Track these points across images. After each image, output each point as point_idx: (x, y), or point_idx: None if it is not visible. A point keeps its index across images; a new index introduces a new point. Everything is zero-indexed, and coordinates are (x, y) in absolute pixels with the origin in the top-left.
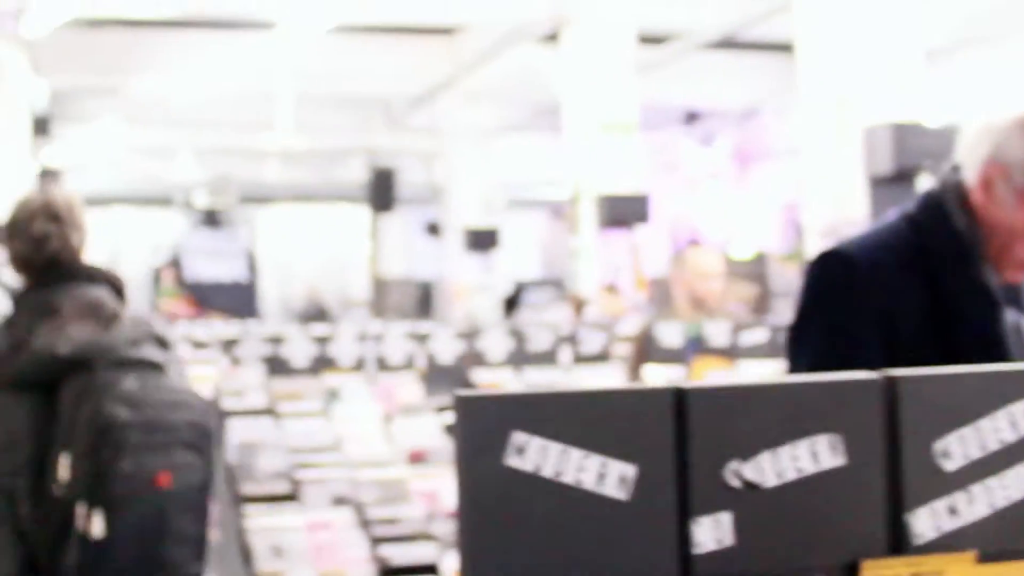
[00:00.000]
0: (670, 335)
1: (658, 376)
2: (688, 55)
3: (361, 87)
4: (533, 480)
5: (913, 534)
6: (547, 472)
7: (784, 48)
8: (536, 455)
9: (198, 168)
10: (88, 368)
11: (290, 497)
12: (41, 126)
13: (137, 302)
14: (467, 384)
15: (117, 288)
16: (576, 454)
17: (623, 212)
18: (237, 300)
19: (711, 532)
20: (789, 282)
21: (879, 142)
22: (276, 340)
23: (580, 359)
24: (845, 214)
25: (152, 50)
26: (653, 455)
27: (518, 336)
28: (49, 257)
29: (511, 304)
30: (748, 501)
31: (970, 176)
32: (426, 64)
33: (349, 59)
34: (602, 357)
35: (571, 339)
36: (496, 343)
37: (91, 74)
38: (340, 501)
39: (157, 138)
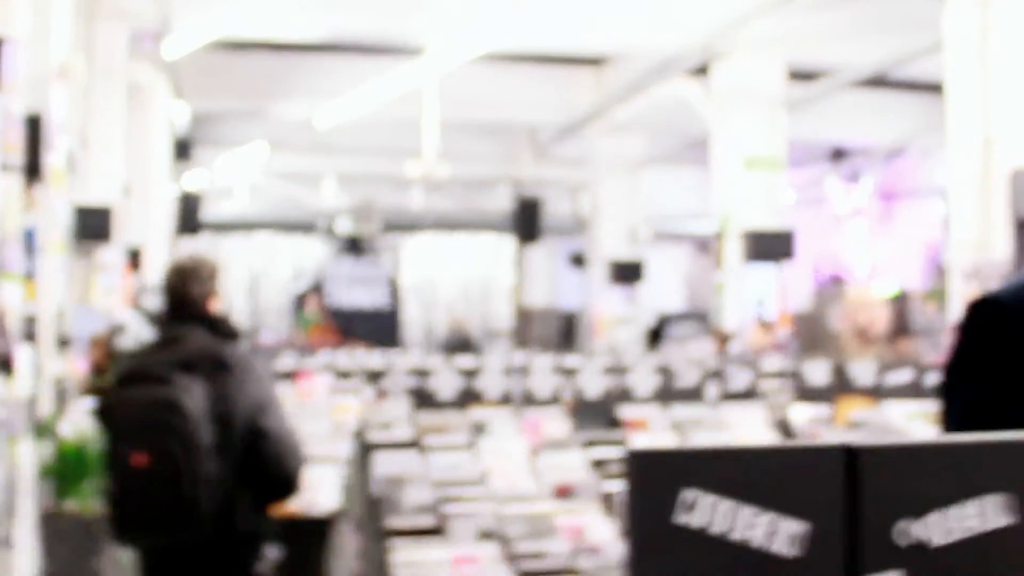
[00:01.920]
0: (815, 374)
1: (803, 414)
2: (837, 92)
3: (508, 116)
4: (703, 537)
5: None
6: (717, 529)
7: (933, 88)
8: (706, 512)
9: (342, 194)
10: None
11: (435, 531)
12: (182, 150)
13: (277, 329)
14: (613, 419)
15: (215, 327)
16: (747, 511)
17: (768, 247)
18: (379, 328)
19: None
20: (930, 321)
21: None
22: (422, 372)
23: (727, 396)
24: (989, 256)
25: (296, 74)
26: (824, 512)
27: (665, 372)
28: (170, 301)
29: (655, 337)
30: (917, 560)
31: None
32: (574, 94)
33: (496, 87)
34: (748, 394)
35: (718, 375)
36: (643, 378)
37: (234, 98)
38: (486, 535)
39: (300, 163)
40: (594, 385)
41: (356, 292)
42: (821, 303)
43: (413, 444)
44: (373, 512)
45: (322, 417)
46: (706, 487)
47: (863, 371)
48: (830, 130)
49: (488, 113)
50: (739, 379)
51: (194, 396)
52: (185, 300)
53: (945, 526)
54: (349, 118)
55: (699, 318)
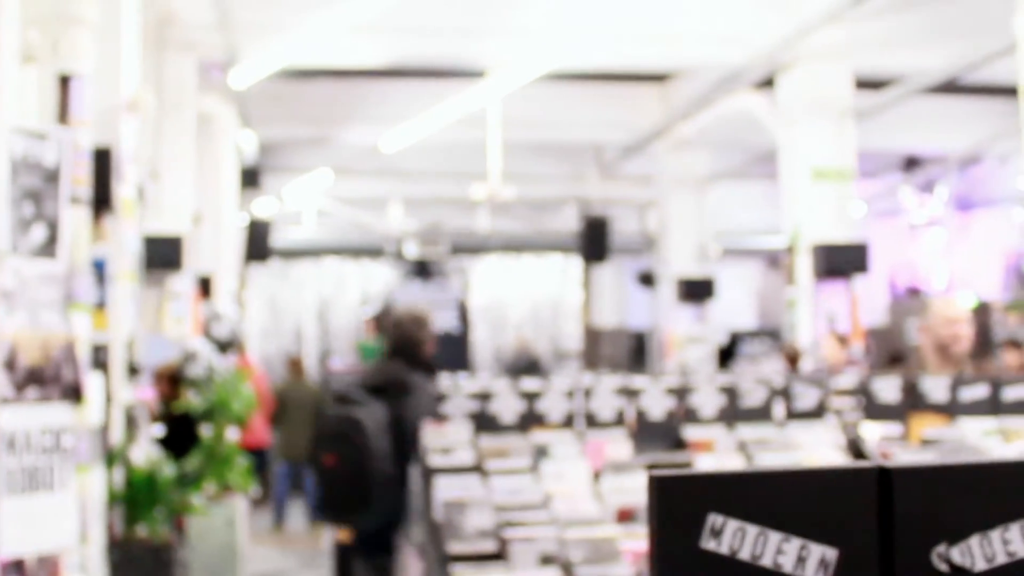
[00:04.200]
0: (886, 390)
1: (874, 432)
2: (907, 100)
3: (572, 135)
4: (730, 563)
5: None
6: (744, 555)
7: (1008, 91)
8: (732, 537)
9: (408, 218)
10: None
11: (497, 556)
12: (250, 177)
13: (345, 353)
14: (678, 441)
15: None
16: (775, 537)
17: (840, 261)
18: (449, 352)
19: None
20: (1012, 333)
21: None
22: (484, 396)
23: (794, 415)
24: None
25: (361, 100)
26: (856, 538)
27: (730, 392)
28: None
29: (726, 355)
30: None
31: None
32: (638, 111)
33: (560, 107)
34: (817, 413)
35: (785, 394)
36: (708, 399)
37: (300, 125)
38: (548, 560)
39: (367, 188)
40: (657, 406)
41: None
42: (898, 317)
43: (474, 468)
44: (434, 537)
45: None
46: (733, 512)
47: (936, 387)
48: (901, 139)
49: (553, 133)
50: (807, 398)
51: (375, 413)
52: (411, 342)
53: (987, 550)
54: (414, 142)
55: (771, 335)
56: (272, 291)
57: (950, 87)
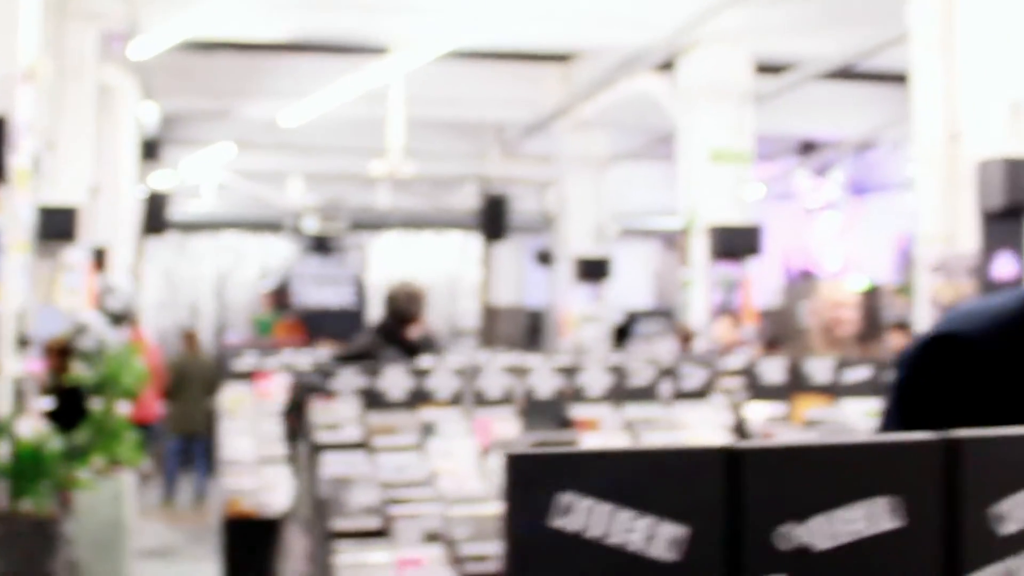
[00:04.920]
0: (772, 371)
1: (759, 412)
2: (804, 85)
3: (474, 113)
4: (579, 541)
5: None
6: (593, 533)
7: (900, 79)
8: (582, 516)
9: (308, 193)
10: None
11: (382, 533)
12: (150, 150)
13: (241, 327)
14: (565, 420)
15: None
16: (624, 515)
17: (735, 243)
18: (346, 327)
19: None
20: (901, 315)
21: (991, 177)
22: (372, 372)
23: (681, 395)
24: (956, 249)
25: (263, 74)
26: (704, 516)
27: (618, 371)
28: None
29: (622, 334)
30: (799, 564)
31: None
32: (540, 91)
33: (462, 85)
34: (702, 393)
35: (672, 374)
36: (596, 378)
37: (201, 98)
38: (432, 537)
39: (267, 163)
40: (546, 385)
41: (323, 291)
42: (791, 298)
43: (361, 445)
44: (319, 513)
45: (278, 418)
46: (582, 490)
47: (820, 368)
48: (798, 123)
49: (455, 111)
50: (694, 378)
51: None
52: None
53: (829, 530)
54: (315, 117)
55: (666, 315)
56: (169, 264)
57: (846, 74)
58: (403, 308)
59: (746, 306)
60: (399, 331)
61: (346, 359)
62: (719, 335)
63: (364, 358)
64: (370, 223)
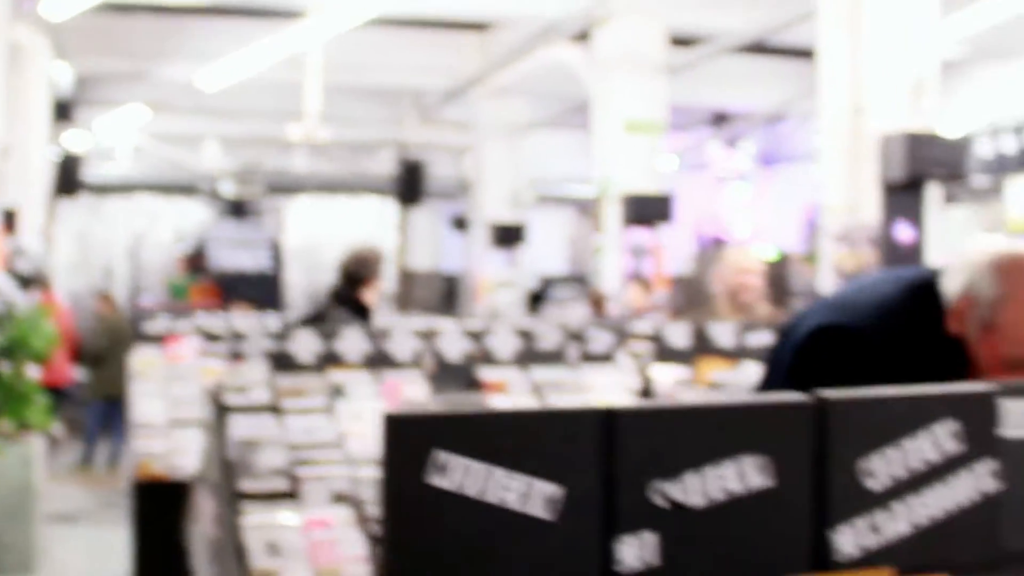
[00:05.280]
0: (677, 335)
1: (665, 375)
2: (717, 58)
3: (392, 80)
4: (456, 499)
5: (835, 551)
6: (470, 491)
7: (809, 55)
8: (459, 474)
9: (224, 157)
10: None
11: (290, 495)
12: (63, 111)
13: (156, 290)
14: (474, 383)
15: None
16: (500, 474)
17: (647, 211)
18: (262, 291)
19: (636, 552)
20: (808, 283)
21: (893, 150)
22: (281, 335)
23: (588, 358)
24: (859, 219)
25: (179, 36)
26: (579, 475)
27: (526, 335)
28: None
29: (536, 300)
30: (674, 521)
31: (950, 295)
32: (458, 59)
33: (381, 51)
34: (609, 357)
35: (580, 338)
36: (504, 341)
37: (117, 59)
38: (340, 498)
39: (183, 126)
40: (455, 348)
41: (239, 255)
42: (702, 265)
43: (269, 407)
44: (227, 475)
45: (190, 380)
46: (459, 450)
47: (724, 332)
48: (711, 95)
49: (373, 77)
50: (601, 341)
51: None
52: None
53: (701, 487)
54: (232, 81)
55: (580, 281)
56: (82, 226)
57: (757, 48)
58: (352, 271)
59: (658, 272)
60: (351, 294)
61: (300, 323)
62: (630, 300)
63: (316, 322)
64: (287, 187)
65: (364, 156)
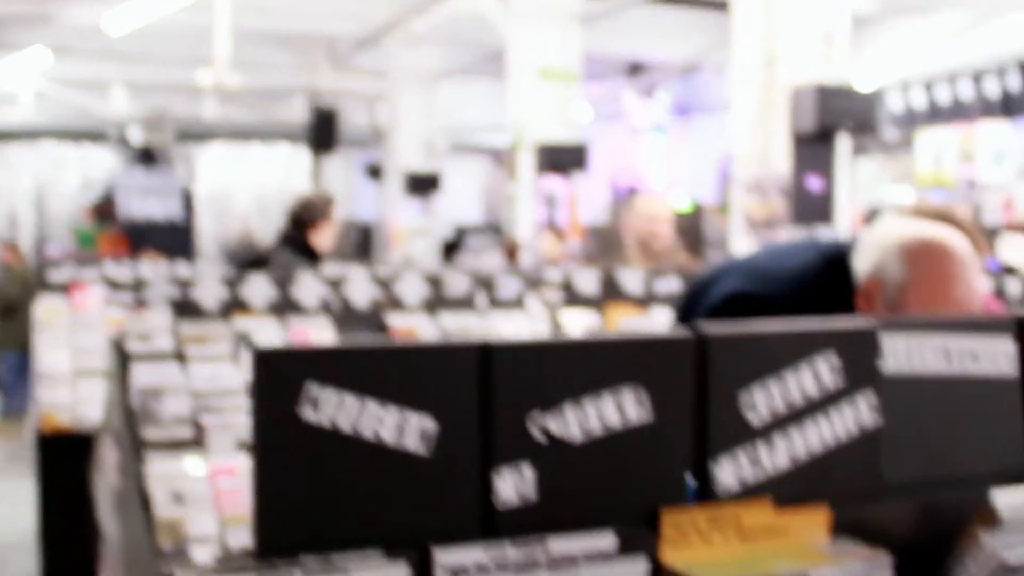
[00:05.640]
0: (586, 282)
1: (574, 321)
2: (632, 7)
3: (304, 25)
4: (329, 434)
5: (716, 483)
6: (343, 426)
7: (724, 5)
8: (332, 408)
9: (132, 103)
10: None
11: (194, 442)
12: None
13: (63, 239)
14: (382, 328)
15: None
16: (374, 408)
17: (561, 160)
18: (172, 240)
19: (514, 486)
20: (721, 233)
21: (804, 102)
22: (185, 282)
23: (498, 305)
24: (769, 169)
25: None
26: (455, 409)
27: (435, 281)
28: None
29: (451, 249)
30: (552, 455)
31: (860, 274)
32: (372, 5)
33: None
34: (519, 303)
35: (489, 285)
36: (412, 287)
37: (19, 1)
38: (245, 447)
39: (88, 70)
40: (363, 294)
41: (149, 203)
42: (616, 215)
43: (173, 355)
44: (130, 424)
45: (95, 330)
46: (332, 384)
47: (632, 279)
48: (626, 45)
49: (284, 22)
50: (510, 288)
51: None
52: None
53: (580, 421)
54: (139, 24)
55: (495, 230)
56: None
57: None
58: (297, 214)
59: (572, 222)
60: (299, 238)
61: (245, 265)
62: (544, 249)
63: (261, 264)
64: (197, 135)
65: (276, 103)
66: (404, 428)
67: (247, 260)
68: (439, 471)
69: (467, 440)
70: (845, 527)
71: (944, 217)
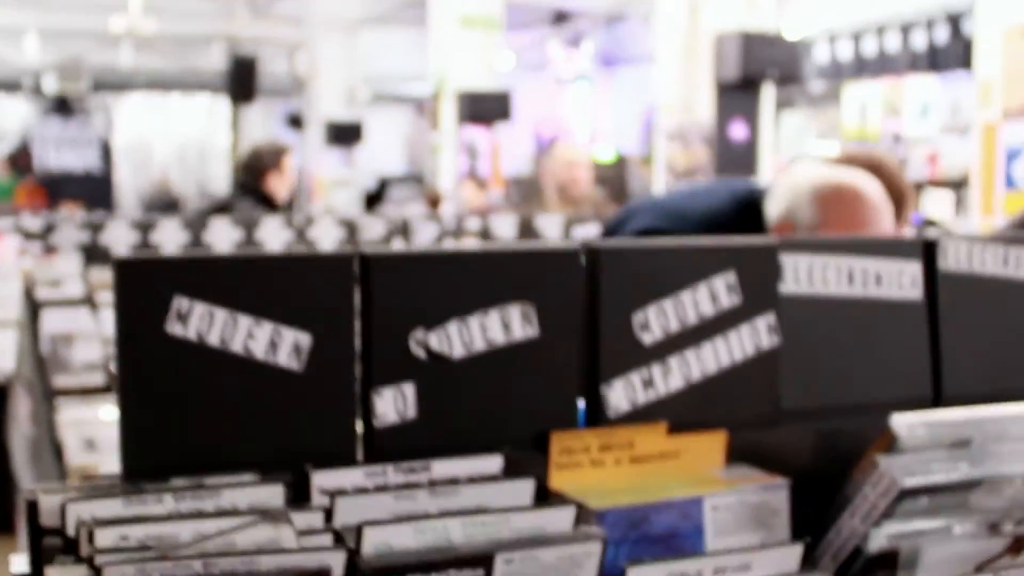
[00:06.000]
0: (504, 227)
1: None
2: None
3: None
4: (197, 349)
5: (608, 406)
6: (212, 340)
7: None
8: (200, 322)
9: (46, 51)
10: None
11: (106, 389)
12: None
13: None
14: None
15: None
16: (245, 321)
17: (484, 109)
18: (91, 190)
19: (393, 404)
20: (646, 184)
21: (728, 50)
22: (95, 227)
23: None
24: (693, 118)
25: None
26: (331, 323)
27: (350, 226)
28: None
29: (374, 200)
30: (433, 372)
31: (772, 218)
32: None
33: None
34: None
35: (406, 231)
36: (327, 232)
37: None
38: None
39: (1, 17)
40: (277, 239)
41: (66, 154)
42: (538, 165)
43: (83, 301)
44: (42, 372)
45: (10, 280)
46: (200, 296)
47: (551, 225)
48: None
49: None
50: (426, 233)
51: None
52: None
53: (463, 338)
54: None
55: (418, 181)
56: None
57: None
58: (248, 162)
59: (495, 172)
60: (254, 185)
61: (207, 212)
62: (465, 199)
63: (223, 211)
64: (114, 84)
65: (194, 52)
66: (277, 343)
67: (212, 208)
68: (315, 389)
69: (344, 356)
70: (742, 452)
71: (873, 165)
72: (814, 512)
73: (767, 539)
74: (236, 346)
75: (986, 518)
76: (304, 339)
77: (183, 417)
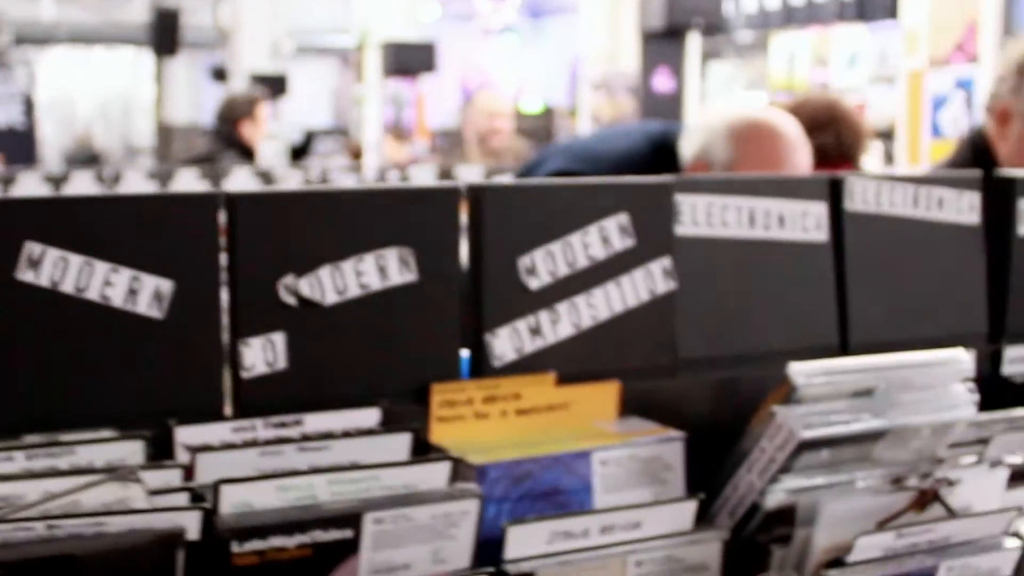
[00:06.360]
0: (423, 177)
1: None
2: None
3: None
4: (51, 296)
5: (492, 356)
6: (67, 288)
7: None
8: (54, 268)
9: None
10: None
11: None
12: None
13: None
14: None
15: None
16: (102, 267)
17: (409, 60)
18: (13, 146)
19: (261, 354)
20: (571, 136)
21: None
22: (7, 180)
23: None
24: (618, 68)
25: None
26: (193, 268)
27: (266, 177)
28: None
29: (300, 153)
30: (304, 320)
31: (686, 157)
32: None
33: None
34: None
35: (322, 183)
36: (242, 184)
37: None
38: None
39: None
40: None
41: None
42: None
43: None
44: None
45: None
46: (53, 241)
47: (471, 175)
48: None
49: None
50: (344, 184)
51: None
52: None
53: (337, 283)
54: None
55: (344, 134)
56: None
57: None
58: (222, 113)
59: (419, 124)
60: (231, 135)
61: (188, 162)
62: (388, 153)
63: (205, 161)
64: (36, 38)
65: (116, 4)
66: (137, 290)
67: (192, 159)
68: (178, 339)
69: (209, 304)
70: (636, 405)
71: (830, 107)
72: (713, 467)
73: (660, 495)
74: (92, 294)
75: (890, 471)
76: (166, 286)
77: (37, 370)
